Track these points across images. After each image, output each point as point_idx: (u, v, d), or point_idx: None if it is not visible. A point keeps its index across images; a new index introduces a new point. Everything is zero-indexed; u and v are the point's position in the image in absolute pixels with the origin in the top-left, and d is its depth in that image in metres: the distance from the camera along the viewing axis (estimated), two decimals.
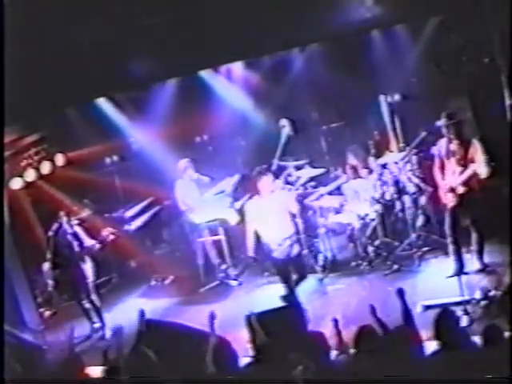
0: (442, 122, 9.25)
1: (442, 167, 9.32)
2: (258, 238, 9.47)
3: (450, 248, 9.47)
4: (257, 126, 12.56)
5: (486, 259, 9.48)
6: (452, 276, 9.34)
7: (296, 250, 9.23)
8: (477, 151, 9.08)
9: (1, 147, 10.46)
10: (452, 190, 9.19)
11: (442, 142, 9.33)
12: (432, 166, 9.57)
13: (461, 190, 9.15)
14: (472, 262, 9.49)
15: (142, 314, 8.09)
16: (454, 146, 9.18)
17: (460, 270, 9.23)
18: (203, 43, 10.31)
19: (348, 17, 10.20)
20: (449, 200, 9.26)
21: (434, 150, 9.51)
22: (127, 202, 12.88)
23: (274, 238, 9.20)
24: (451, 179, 9.20)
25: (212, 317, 7.67)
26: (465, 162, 9.11)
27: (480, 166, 9.05)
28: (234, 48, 10.59)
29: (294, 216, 9.45)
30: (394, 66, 11.47)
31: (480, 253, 9.38)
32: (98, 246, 10.86)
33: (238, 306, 10.24)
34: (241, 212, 11.46)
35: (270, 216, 9.13)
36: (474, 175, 9.10)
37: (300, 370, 6.26)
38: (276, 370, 6.53)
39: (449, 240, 9.46)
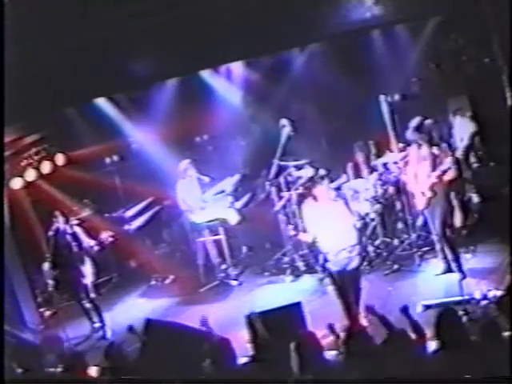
0: (410, 133, 9.41)
1: (415, 172, 9.44)
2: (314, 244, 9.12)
3: (437, 247, 9.52)
4: (257, 126, 12.56)
5: (486, 259, 9.49)
6: (439, 274, 9.44)
7: (355, 262, 8.58)
8: (446, 156, 9.17)
9: (1, 147, 10.46)
10: (423, 193, 9.30)
11: (413, 148, 9.43)
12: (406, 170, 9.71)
13: (429, 194, 9.22)
14: (471, 262, 9.52)
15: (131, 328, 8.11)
16: (423, 151, 9.27)
17: (447, 270, 9.32)
18: (203, 43, 10.32)
19: (348, 17, 10.20)
20: (421, 203, 9.34)
21: (406, 155, 9.66)
22: (127, 201, 12.87)
23: (332, 247, 8.62)
24: (422, 183, 9.27)
25: (204, 322, 7.71)
26: (434, 167, 9.20)
27: (448, 170, 9.16)
28: (234, 48, 10.59)
29: (356, 227, 8.82)
30: (394, 66, 11.48)
31: (455, 260, 9.31)
32: (96, 248, 10.86)
33: (238, 305, 10.24)
34: (241, 212, 11.50)
35: (329, 225, 8.60)
36: (441, 179, 9.19)
37: (298, 369, 6.26)
38: (275, 370, 6.54)
39: (435, 239, 9.53)
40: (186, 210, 11.48)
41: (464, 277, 8.95)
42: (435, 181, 9.19)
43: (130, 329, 8.06)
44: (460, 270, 9.20)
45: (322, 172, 10.48)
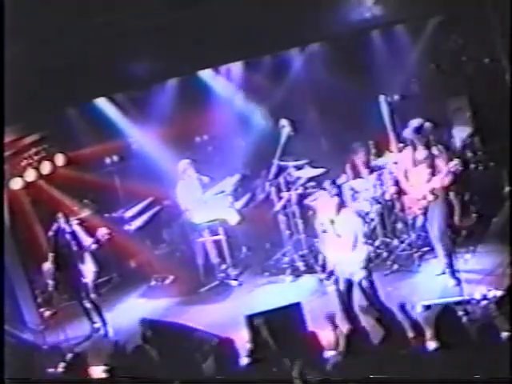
0: (408, 134, 9.41)
1: (407, 174, 9.47)
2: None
3: (436, 248, 9.53)
4: (257, 126, 12.56)
5: (486, 259, 9.50)
6: (439, 274, 9.43)
7: (361, 274, 8.44)
8: (447, 158, 9.18)
9: (1, 147, 10.47)
10: (423, 197, 9.29)
11: (408, 151, 9.43)
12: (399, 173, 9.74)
13: (431, 197, 9.22)
14: (471, 263, 9.53)
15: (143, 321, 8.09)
16: (420, 154, 9.27)
17: (448, 269, 9.29)
18: (203, 43, 10.32)
19: (348, 17, 10.20)
20: (420, 207, 9.37)
21: (401, 158, 9.65)
22: (127, 202, 12.86)
23: (339, 261, 8.54)
24: (421, 187, 9.26)
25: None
26: (433, 170, 9.22)
27: (450, 173, 9.15)
28: (234, 48, 10.59)
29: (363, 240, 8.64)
30: (393, 66, 11.47)
31: (450, 266, 9.27)
32: (94, 245, 10.87)
33: (238, 305, 10.25)
34: (241, 212, 11.50)
35: (344, 243, 8.47)
36: (443, 182, 9.21)
37: (299, 369, 6.27)
38: (275, 370, 6.54)
39: (433, 242, 9.54)
40: (186, 210, 11.48)
41: (458, 283, 8.95)
42: (438, 185, 9.18)
43: (143, 322, 8.05)
44: (453, 276, 9.19)
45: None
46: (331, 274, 8.67)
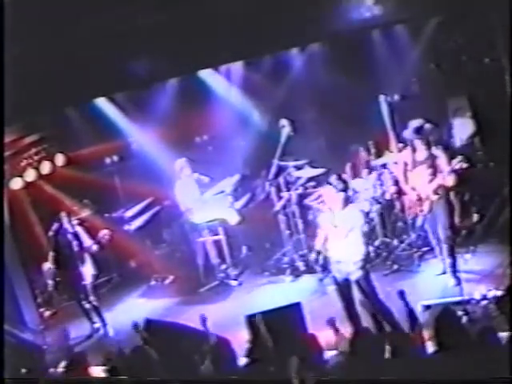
0: (408, 135, 9.41)
1: (407, 175, 9.49)
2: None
3: (437, 249, 9.52)
4: (257, 126, 12.55)
5: (486, 259, 9.49)
6: (439, 274, 9.46)
7: (358, 274, 8.39)
8: (448, 159, 9.18)
9: (1, 147, 10.47)
10: (425, 197, 9.30)
11: (408, 151, 9.43)
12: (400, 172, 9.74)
13: (434, 197, 9.22)
14: (471, 263, 9.53)
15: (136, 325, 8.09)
16: (420, 155, 9.27)
17: (449, 269, 9.29)
18: (203, 43, 10.32)
19: (348, 17, 10.20)
20: (420, 207, 9.39)
21: (400, 159, 9.64)
22: (127, 201, 12.86)
23: (339, 256, 8.45)
24: (422, 188, 9.26)
25: (203, 320, 7.71)
26: (433, 171, 9.24)
27: (446, 175, 9.19)
28: (234, 48, 10.59)
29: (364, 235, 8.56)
30: (394, 66, 11.46)
31: (452, 265, 9.28)
32: (95, 246, 10.87)
33: (237, 305, 10.25)
34: (241, 212, 11.50)
35: (339, 233, 8.37)
36: (445, 182, 9.23)
37: (298, 369, 6.27)
38: (275, 370, 6.54)
39: (434, 242, 9.57)
40: (186, 210, 11.47)
41: (459, 283, 8.94)
42: (440, 184, 9.18)
43: (135, 326, 8.05)
44: (455, 275, 9.19)
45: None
46: (324, 266, 8.67)
